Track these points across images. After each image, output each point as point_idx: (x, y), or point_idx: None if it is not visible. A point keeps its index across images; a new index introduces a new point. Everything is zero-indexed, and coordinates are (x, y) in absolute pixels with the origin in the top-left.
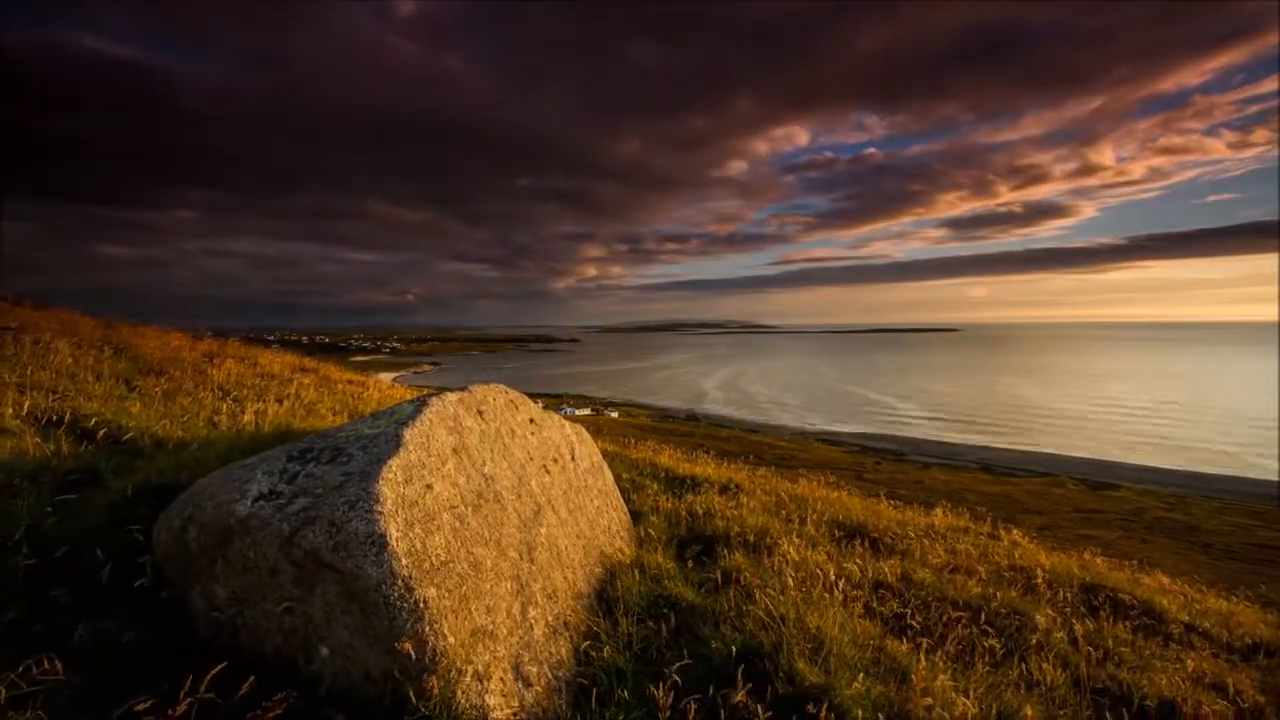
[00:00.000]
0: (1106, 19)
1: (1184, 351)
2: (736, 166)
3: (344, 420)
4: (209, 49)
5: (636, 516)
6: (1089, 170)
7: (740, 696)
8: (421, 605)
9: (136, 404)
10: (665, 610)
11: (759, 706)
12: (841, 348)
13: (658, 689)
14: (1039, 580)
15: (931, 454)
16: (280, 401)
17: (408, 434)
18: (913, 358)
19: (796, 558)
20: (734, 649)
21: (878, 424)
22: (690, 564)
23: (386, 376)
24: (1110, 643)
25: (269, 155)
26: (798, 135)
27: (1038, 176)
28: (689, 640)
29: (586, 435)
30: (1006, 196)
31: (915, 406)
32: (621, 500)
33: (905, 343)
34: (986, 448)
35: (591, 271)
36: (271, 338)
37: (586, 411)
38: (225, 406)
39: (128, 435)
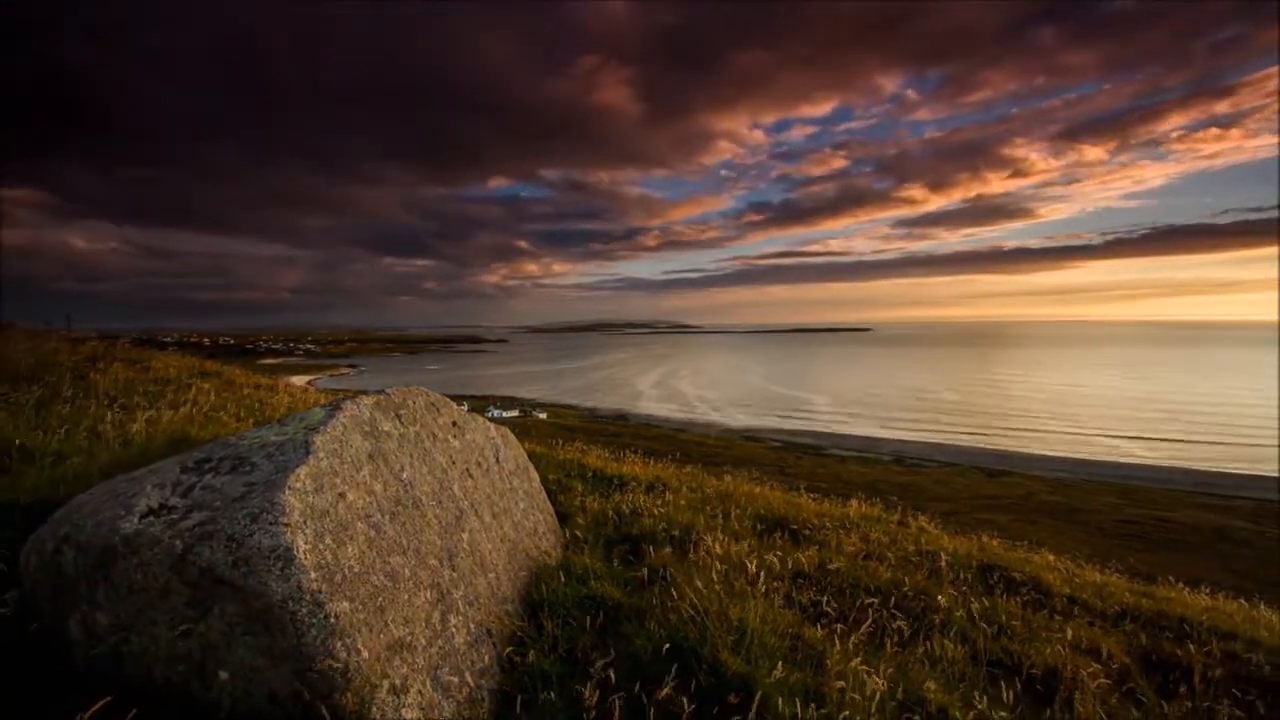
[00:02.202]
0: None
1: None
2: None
3: (249, 427)
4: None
5: (564, 518)
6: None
7: (666, 690)
8: (333, 620)
9: (2, 414)
10: (592, 610)
11: (684, 699)
12: (764, 347)
13: (584, 689)
14: (942, 563)
15: (849, 448)
16: (176, 408)
17: (319, 440)
18: (827, 356)
19: (720, 552)
20: (660, 645)
21: (799, 421)
22: (617, 563)
23: (299, 380)
24: (1004, 618)
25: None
26: (748, 137)
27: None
28: (616, 639)
29: (512, 437)
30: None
31: (830, 401)
32: (548, 502)
33: (822, 341)
34: (901, 440)
35: (532, 268)
36: (168, 340)
37: (514, 413)
38: (111, 415)
39: None
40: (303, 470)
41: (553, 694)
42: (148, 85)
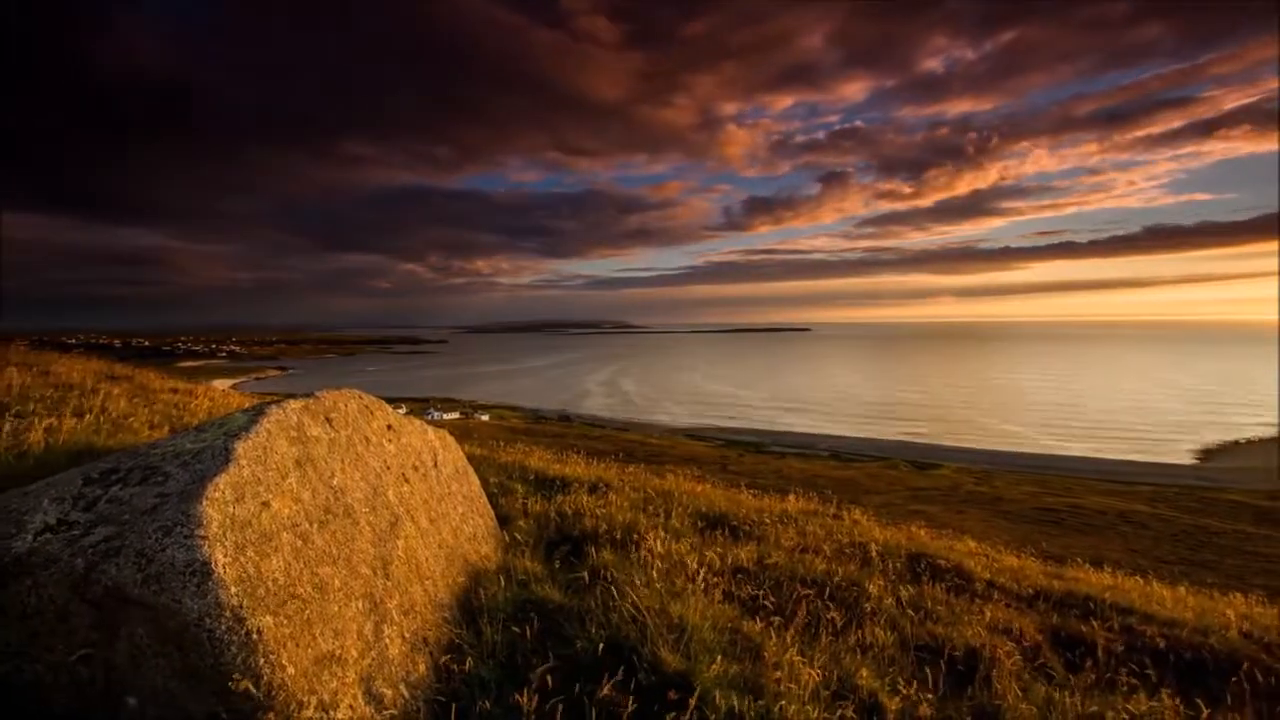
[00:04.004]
0: None
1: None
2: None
3: (165, 435)
4: None
5: (504, 521)
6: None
7: (606, 691)
8: (255, 636)
9: None
10: (532, 614)
11: (625, 698)
12: (706, 347)
13: (522, 695)
14: (874, 554)
15: (788, 444)
16: (80, 416)
17: (240, 447)
18: (770, 355)
19: (662, 550)
20: (600, 645)
21: (740, 419)
22: (559, 565)
23: (222, 384)
24: (929, 603)
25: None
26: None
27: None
28: (556, 641)
29: (451, 440)
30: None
31: (770, 400)
32: (488, 505)
33: (764, 341)
34: (837, 437)
35: (480, 264)
36: (73, 341)
37: (455, 415)
38: (5, 425)
39: None
40: (222, 479)
41: (489, 701)
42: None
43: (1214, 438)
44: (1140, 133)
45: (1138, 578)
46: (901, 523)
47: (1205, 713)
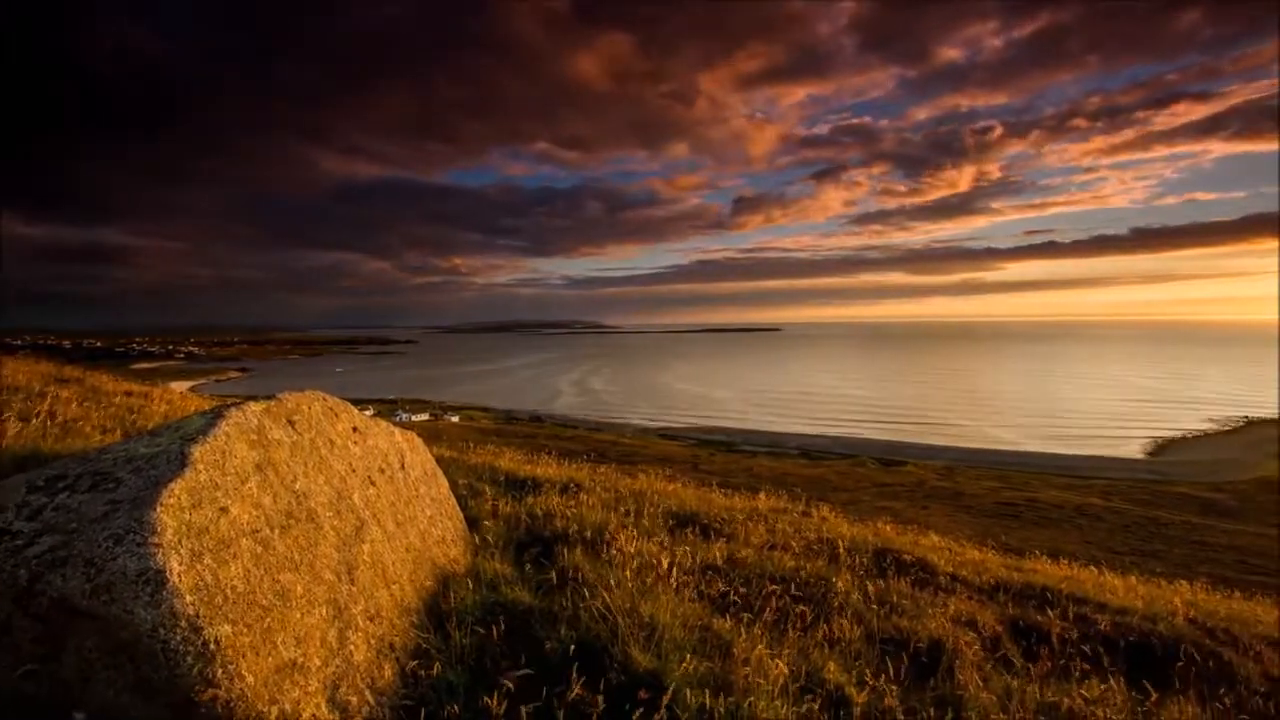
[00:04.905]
0: None
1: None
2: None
3: (117, 440)
4: None
5: (474, 523)
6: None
7: (576, 692)
8: (212, 646)
9: None
10: (501, 616)
11: (596, 698)
12: (677, 347)
13: (491, 699)
14: (841, 550)
15: (759, 443)
16: (26, 420)
17: (197, 451)
18: (739, 355)
19: (633, 550)
20: (571, 646)
21: (711, 418)
22: (529, 566)
23: (180, 386)
24: (895, 597)
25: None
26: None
27: None
28: (526, 644)
29: (419, 442)
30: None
31: (741, 400)
32: (457, 508)
33: (735, 341)
34: (806, 435)
35: (457, 262)
36: (18, 343)
37: (424, 417)
38: None
39: None
40: (177, 485)
41: (457, 706)
42: None
43: (1164, 433)
44: (1142, 131)
45: (1092, 568)
46: (868, 519)
47: (1153, 696)
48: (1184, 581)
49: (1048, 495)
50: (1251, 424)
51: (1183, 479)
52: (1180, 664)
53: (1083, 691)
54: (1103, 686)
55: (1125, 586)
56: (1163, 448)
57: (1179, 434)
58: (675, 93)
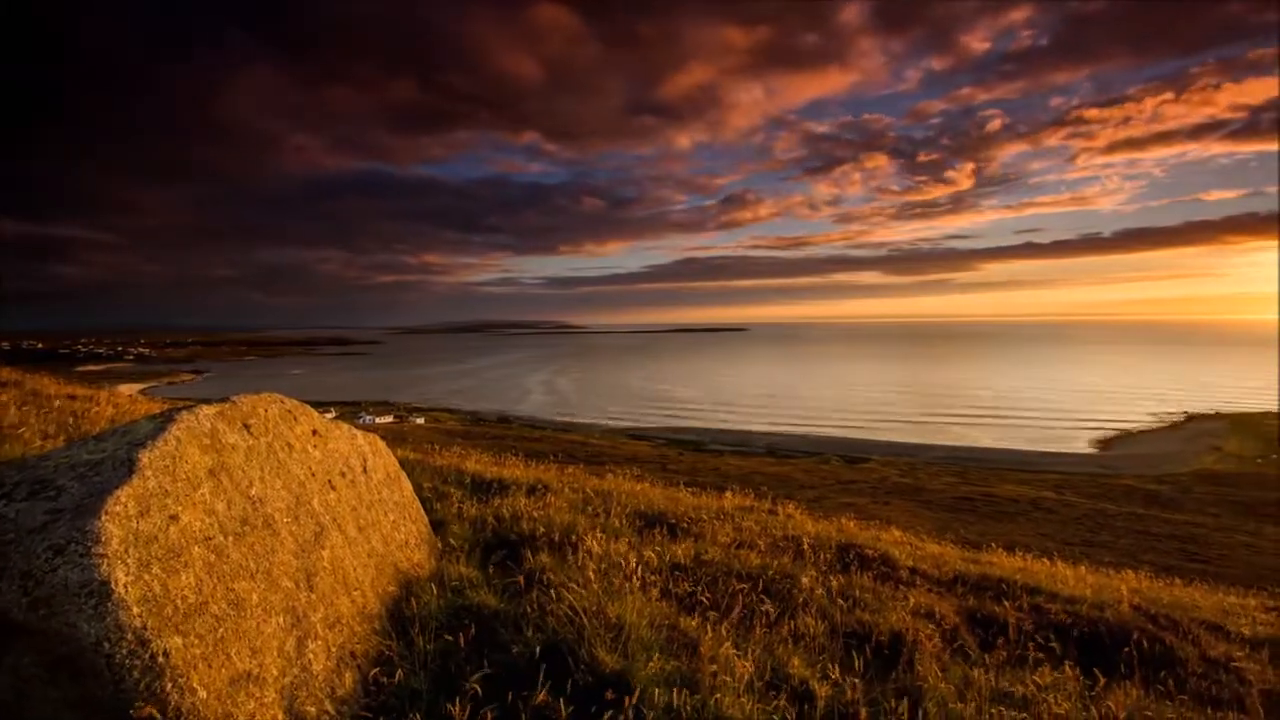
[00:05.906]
0: None
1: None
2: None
3: (60, 445)
4: None
5: (439, 526)
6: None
7: (541, 695)
8: (161, 659)
9: None
10: (466, 621)
11: (561, 701)
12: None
13: (454, 705)
14: (806, 546)
15: (727, 443)
16: None
17: (145, 457)
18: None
19: (600, 551)
20: (537, 649)
21: (680, 418)
22: (495, 569)
23: (130, 389)
24: (858, 592)
25: None
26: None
27: None
28: (491, 648)
29: (382, 444)
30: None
31: (708, 399)
32: (422, 511)
33: (704, 341)
34: (773, 434)
35: (431, 258)
36: None
37: (389, 419)
38: None
39: None
40: (123, 492)
41: (420, 713)
42: None
43: (1113, 429)
44: (1132, 131)
45: (1045, 560)
46: (832, 515)
47: (1102, 681)
48: (1130, 570)
49: (1004, 490)
50: (1191, 419)
51: (1129, 472)
52: (1126, 649)
53: (1035, 679)
54: (1055, 674)
55: (1076, 576)
56: (1111, 442)
57: (1127, 429)
58: (661, 84)
